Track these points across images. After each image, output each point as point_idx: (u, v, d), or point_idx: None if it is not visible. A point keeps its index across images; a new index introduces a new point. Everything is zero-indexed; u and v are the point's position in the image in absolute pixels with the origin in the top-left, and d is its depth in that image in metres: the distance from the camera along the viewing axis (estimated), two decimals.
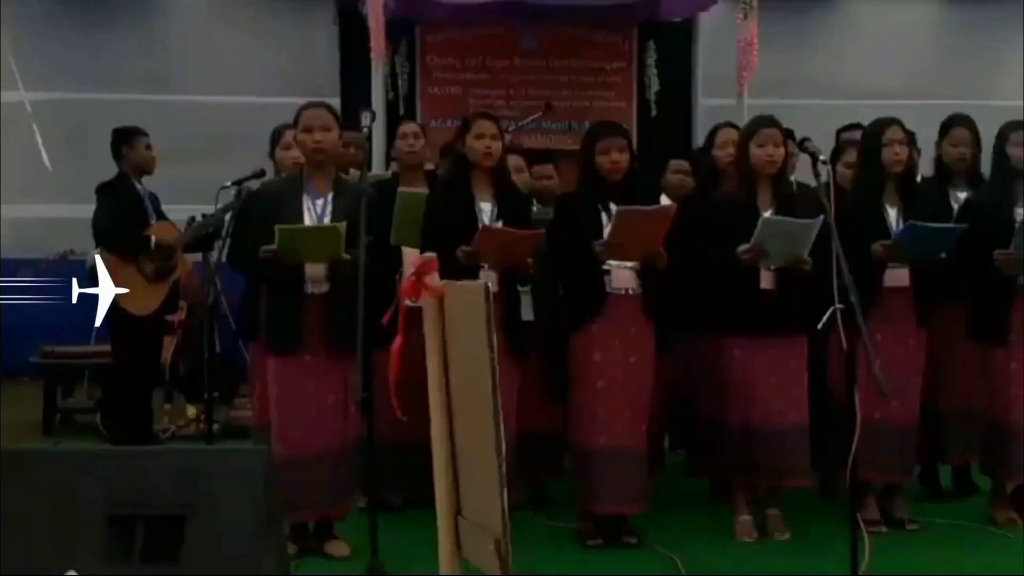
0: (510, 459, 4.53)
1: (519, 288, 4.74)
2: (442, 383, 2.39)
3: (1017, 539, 4.70)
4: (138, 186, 6.05)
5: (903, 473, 4.96)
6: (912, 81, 9.98)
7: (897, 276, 4.80)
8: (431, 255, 2.41)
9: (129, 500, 2.95)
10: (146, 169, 6.08)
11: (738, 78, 7.86)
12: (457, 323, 2.34)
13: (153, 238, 5.91)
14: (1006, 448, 4.86)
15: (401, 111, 8.75)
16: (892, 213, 4.82)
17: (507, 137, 7.14)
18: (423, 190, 4.98)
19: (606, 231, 4.51)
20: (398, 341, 2.52)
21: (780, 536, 4.73)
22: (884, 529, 4.77)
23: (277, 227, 4.19)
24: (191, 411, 7.17)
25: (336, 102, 7.72)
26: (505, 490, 2.13)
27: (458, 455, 2.37)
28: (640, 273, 4.60)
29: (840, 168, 5.19)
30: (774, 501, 4.82)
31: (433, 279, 2.38)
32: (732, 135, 5.30)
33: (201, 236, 5.97)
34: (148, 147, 6.07)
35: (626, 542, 4.63)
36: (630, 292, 4.60)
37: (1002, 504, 4.98)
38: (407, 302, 2.58)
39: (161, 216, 6.15)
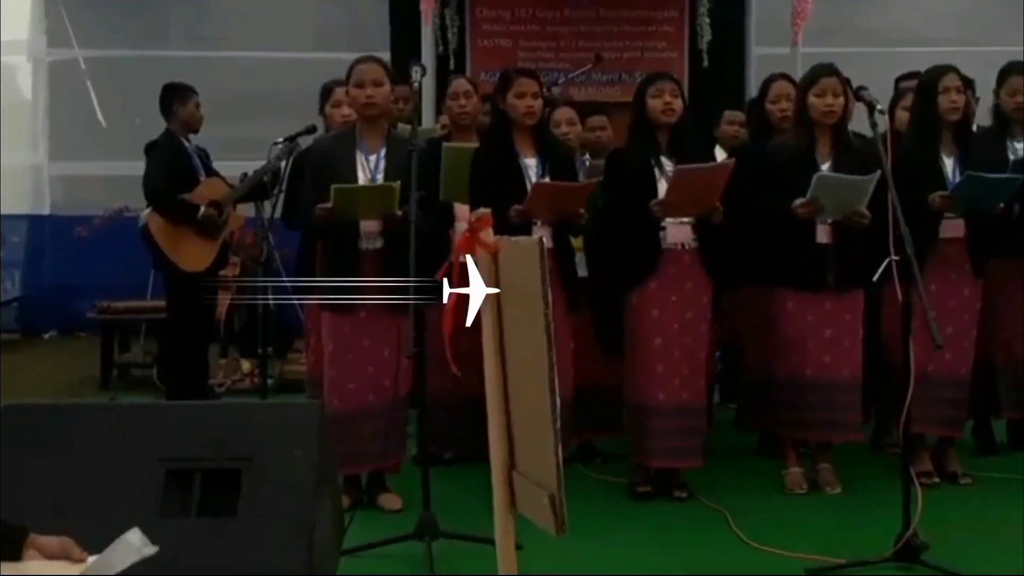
0: (566, 415, 4.59)
1: (572, 241, 4.73)
2: (496, 339, 2.38)
3: None
4: (186, 143, 6.10)
5: (956, 426, 4.92)
6: (967, 27, 9.74)
7: (953, 227, 4.75)
8: (485, 210, 2.41)
9: (186, 454, 2.99)
10: (194, 127, 6.12)
11: (792, 26, 7.74)
12: (512, 278, 2.34)
13: (202, 208, 5.94)
14: None
15: (451, 64, 8.72)
16: (949, 163, 4.75)
17: (557, 90, 7.14)
18: (470, 144, 4.98)
19: (660, 187, 4.49)
20: (452, 300, 2.52)
21: (831, 490, 4.71)
22: (937, 482, 4.74)
23: (333, 187, 4.21)
24: (246, 366, 7.26)
25: (386, 56, 7.66)
26: (560, 445, 2.13)
27: (512, 410, 2.37)
28: (696, 227, 4.58)
29: (899, 112, 5.11)
30: (825, 455, 4.80)
31: (488, 234, 2.37)
32: (785, 88, 5.23)
33: (253, 188, 6.01)
34: (198, 106, 6.11)
35: (676, 496, 4.64)
36: (686, 247, 4.59)
37: None
38: (461, 258, 2.59)
39: (211, 172, 6.19)
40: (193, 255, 5.98)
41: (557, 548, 3.69)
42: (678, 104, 4.59)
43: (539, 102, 4.60)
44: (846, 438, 4.74)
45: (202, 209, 5.93)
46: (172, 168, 5.98)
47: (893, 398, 4.16)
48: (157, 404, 4.56)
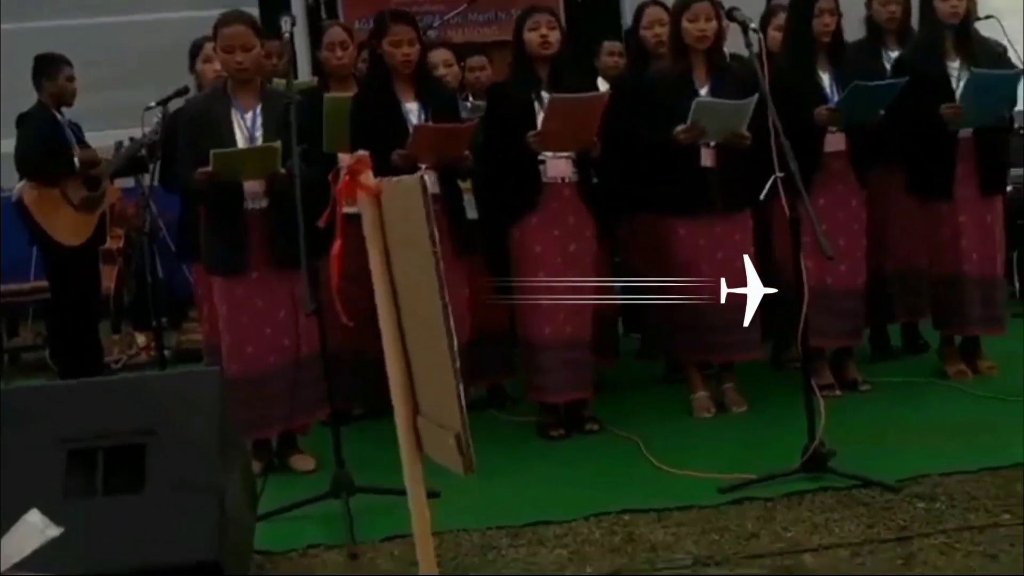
0: (464, 359, 4.56)
1: (460, 184, 4.69)
2: (387, 283, 2.34)
3: (968, 390, 4.81)
4: (58, 116, 5.90)
5: (853, 336, 5.04)
6: None
7: (835, 140, 4.83)
8: (364, 153, 2.35)
9: (87, 433, 2.93)
10: (65, 100, 5.94)
11: None
12: (397, 221, 2.30)
13: (76, 159, 5.77)
14: (958, 301, 4.94)
15: (323, 13, 8.50)
16: (826, 79, 4.82)
17: (434, 32, 7.04)
18: (348, 94, 4.89)
19: (539, 120, 4.47)
20: (336, 245, 2.46)
21: (737, 409, 4.80)
22: (838, 392, 4.86)
23: (212, 152, 4.10)
24: (140, 339, 7.10)
25: (254, 8, 7.50)
26: (461, 385, 2.11)
27: (411, 355, 2.34)
28: (575, 161, 4.57)
29: (772, 32, 5.14)
30: (728, 376, 4.88)
31: (368, 177, 2.31)
32: (658, 14, 5.23)
33: (131, 159, 5.85)
34: (70, 78, 5.91)
35: (588, 429, 4.68)
36: (566, 180, 4.59)
37: (952, 357, 5.09)
38: (344, 205, 2.52)
39: (84, 145, 6.01)
40: (71, 228, 5.82)
41: (474, 492, 3.72)
42: (555, 36, 4.57)
43: (416, 48, 4.52)
44: (747, 357, 4.82)
45: (76, 160, 5.76)
46: (44, 140, 5.80)
47: (790, 313, 4.22)
48: (53, 385, 4.42)
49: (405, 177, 2.19)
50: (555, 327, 4.57)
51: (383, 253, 2.35)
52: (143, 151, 5.65)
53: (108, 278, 6.81)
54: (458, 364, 2.10)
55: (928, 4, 4.91)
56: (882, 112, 4.75)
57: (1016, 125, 5.39)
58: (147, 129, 5.43)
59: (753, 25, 4.05)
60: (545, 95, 4.52)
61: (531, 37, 4.56)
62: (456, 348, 2.09)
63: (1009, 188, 6.44)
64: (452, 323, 2.06)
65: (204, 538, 2.77)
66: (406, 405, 2.37)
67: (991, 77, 4.72)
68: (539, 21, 4.57)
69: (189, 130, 4.36)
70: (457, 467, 2.15)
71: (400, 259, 2.30)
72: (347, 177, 2.33)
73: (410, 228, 2.16)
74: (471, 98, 5.48)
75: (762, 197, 3.96)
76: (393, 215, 2.31)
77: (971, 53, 4.85)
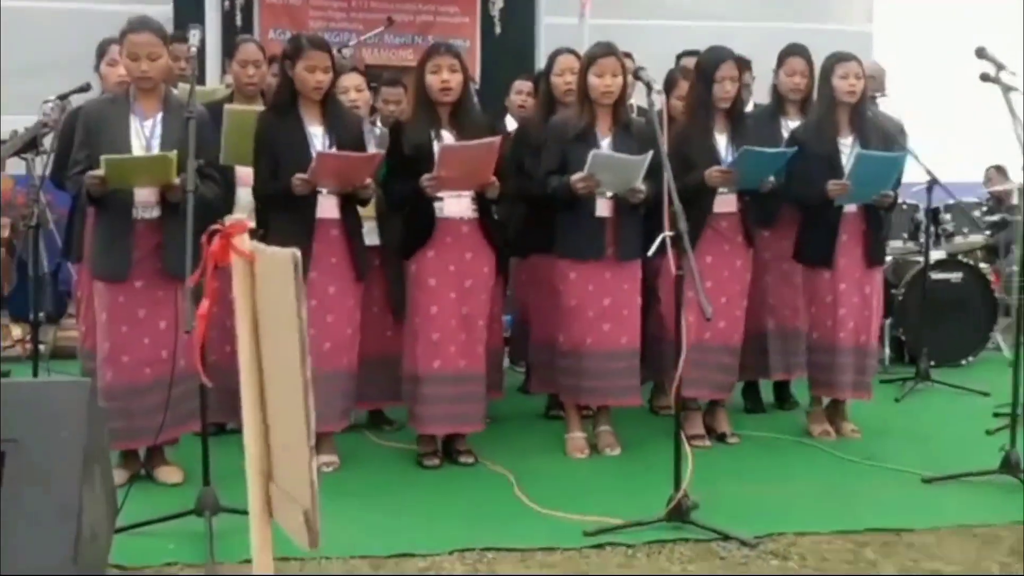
0: (350, 386, 4.56)
1: (363, 211, 4.70)
2: (253, 348, 2.33)
3: (830, 451, 4.97)
4: None
5: (725, 390, 5.17)
6: (751, 3, 10.07)
7: (726, 202, 4.97)
8: (240, 217, 2.35)
9: None
10: None
11: None
12: (268, 289, 2.28)
13: None
14: (832, 366, 5.10)
15: (238, 21, 8.45)
16: (722, 141, 4.95)
17: (348, 51, 7.04)
18: (253, 107, 4.87)
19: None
20: (205, 305, 2.44)
21: (611, 452, 4.89)
22: (708, 443, 5.00)
23: (103, 158, 4.03)
24: (16, 331, 6.92)
25: (168, 10, 7.43)
26: (314, 461, 2.12)
27: (270, 421, 2.33)
28: (475, 199, 4.62)
29: (673, 100, 5.25)
30: (605, 418, 4.97)
31: (242, 241, 2.30)
32: (570, 62, 5.30)
33: (21, 149, 5.72)
34: None
35: (462, 462, 4.72)
36: (465, 219, 4.63)
37: (817, 418, 5.25)
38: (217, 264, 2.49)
39: None
40: None
41: (341, 518, 3.73)
42: (456, 80, 4.59)
43: (329, 76, 4.51)
44: (623, 403, 4.91)
45: None
46: None
47: (667, 362, 4.32)
48: None
49: (280, 250, 2.18)
50: (446, 360, 4.60)
51: (252, 318, 2.34)
52: (45, 131, 5.50)
53: None
54: (314, 441, 2.12)
55: (826, 80, 5.07)
56: (772, 179, 4.89)
57: (899, 201, 5.59)
58: (44, 117, 5.32)
59: (657, 86, 4.16)
60: (445, 134, 4.56)
61: (431, 81, 4.57)
62: (313, 425, 2.11)
63: (889, 258, 6.74)
64: (312, 400, 2.08)
65: (58, 553, 2.74)
66: (260, 470, 2.37)
67: (877, 158, 4.90)
68: (440, 64, 4.57)
69: (86, 131, 4.27)
70: (303, 541, 2.16)
71: (268, 326, 2.29)
72: (221, 239, 2.30)
73: (281, 301, 2.15)
74: (379, 123, 5.48)
75: (650, 254, 4.06)
76: (266, 283, 2.29)
77: (864, 131, 5.03)
